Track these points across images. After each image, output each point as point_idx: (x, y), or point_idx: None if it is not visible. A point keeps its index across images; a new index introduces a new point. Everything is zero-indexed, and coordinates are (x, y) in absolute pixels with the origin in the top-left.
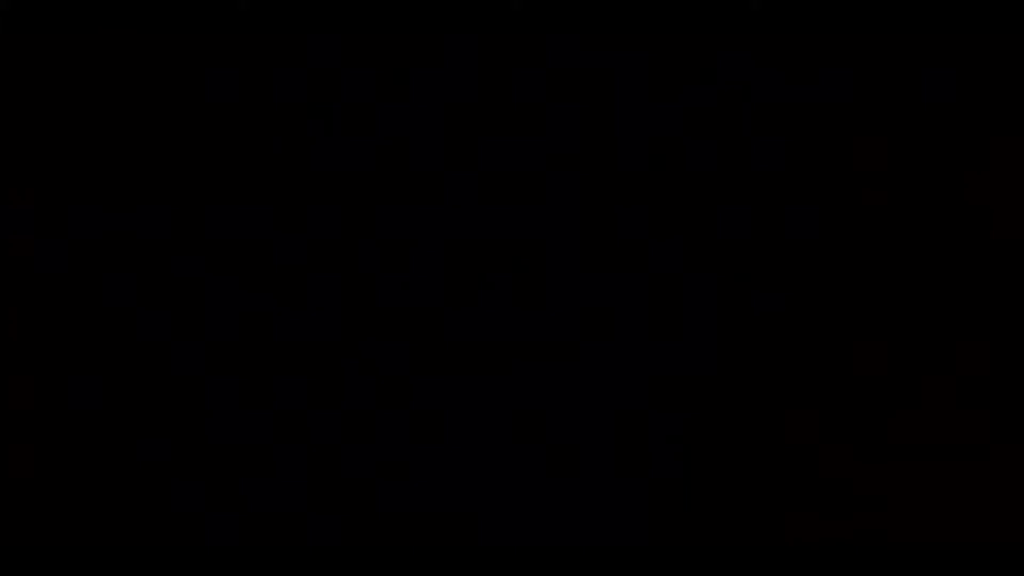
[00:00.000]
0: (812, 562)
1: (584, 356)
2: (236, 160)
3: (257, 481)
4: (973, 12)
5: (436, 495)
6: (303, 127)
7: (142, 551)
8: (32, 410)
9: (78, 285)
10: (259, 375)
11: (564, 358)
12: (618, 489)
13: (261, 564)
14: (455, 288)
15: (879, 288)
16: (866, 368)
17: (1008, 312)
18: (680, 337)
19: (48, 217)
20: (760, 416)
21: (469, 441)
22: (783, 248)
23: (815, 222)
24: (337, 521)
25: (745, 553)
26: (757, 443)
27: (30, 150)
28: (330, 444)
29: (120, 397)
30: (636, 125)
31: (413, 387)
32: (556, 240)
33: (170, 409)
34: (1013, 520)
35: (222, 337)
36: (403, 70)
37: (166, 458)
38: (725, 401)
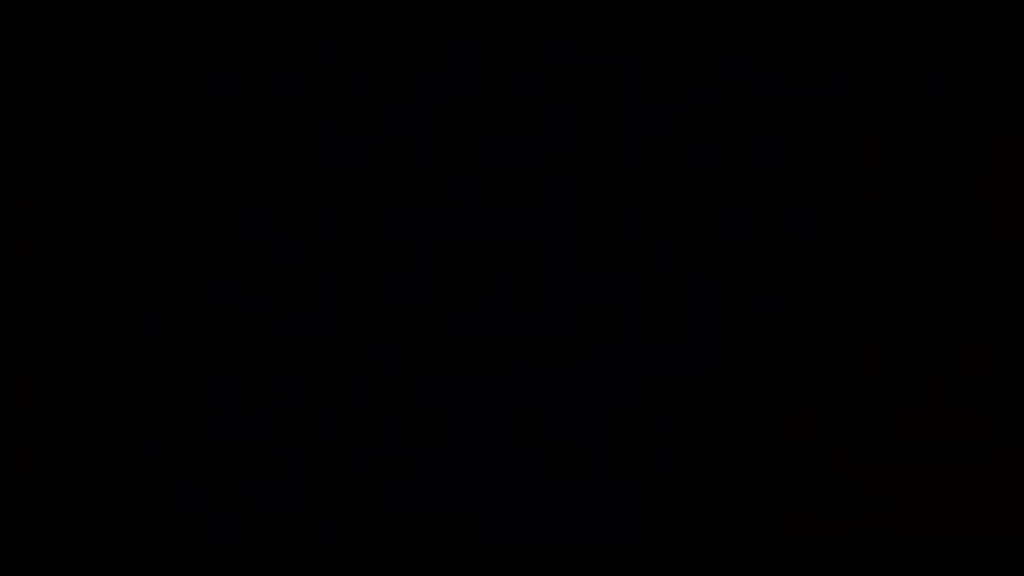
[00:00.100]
0: (812, 562)
1: (584, 356)
2: (236, 160)
3: (257, 481)
4: (973, 12)
5: (436, 495)
6: (303, 127)
7: (142, 551)
8: (32, 410)
9: (78, 285)
10: (259, 375)
11: (564, 358)
12: (618, 489)
13: (261, 564)
14: (455, 288)
15: (879, 288)
16: (866, 368)
17: (1008, 312)
18: (680, 337)
19: (48, 217)
20: (760, 416)
21: (469, 441)
22: (783, 248)
23: (815, 222)
24: (337, 521)
25: (745, 553)
26: (757, 443)
27: (30, 150)
28: (330, 444)
29: (120, 397)
30: (636, 125)
31: (413, 387)
32: (556, 240)
33: (170, 409)
34: (1013, 520)
35: (222, 337)
36: (403, 70)
37: (166, 458)
38: (725, 401)
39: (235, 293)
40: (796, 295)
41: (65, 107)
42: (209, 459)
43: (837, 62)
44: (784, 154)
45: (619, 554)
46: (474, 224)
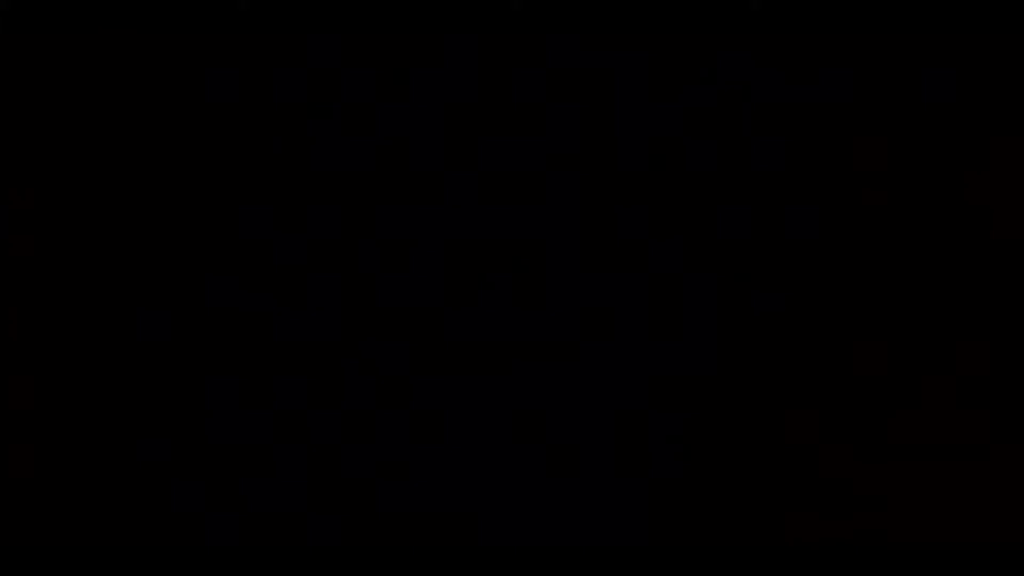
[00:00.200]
0: (812, 562)
1: (584, 356)
2: (236, 160)
3: (257, 481)
4: (973, 12)
5: (436, 495)
6: (303, 127)
7: (142, 551)
8: (32, 410)
9: (78, 285)
10: (259, 375)
11: (564, 358)
12: (618, 489)
13: (261, 564)
14: (455, 288)
15: (879, 288)
16: (866, 368)
17: (1008, 312)
18: (680, 337)
19: (48, 217)
20: (760, 416)
21: (469, 441)
22: (783, 248)
23: (815, 222)
24: (337, 521)
25: (745, 553)
26: (757, 443)
27: (30, 150)
28: (330, 444)
29: (120, 397)
30: (636, 125)
31: (413, 387)
32: (556, 240)
33: (170, 409)
34: (1013, 520)
35: (222, 337)
36: (403, 70)
37: (166, 458)
38: (725, 401)
39: (235, 293)
40: (796, 295)
41: (65, 107)
42: (209, 459)
43: (837, 62)
44: (784, 154)
45: (619, 554)
46: (474, 224)
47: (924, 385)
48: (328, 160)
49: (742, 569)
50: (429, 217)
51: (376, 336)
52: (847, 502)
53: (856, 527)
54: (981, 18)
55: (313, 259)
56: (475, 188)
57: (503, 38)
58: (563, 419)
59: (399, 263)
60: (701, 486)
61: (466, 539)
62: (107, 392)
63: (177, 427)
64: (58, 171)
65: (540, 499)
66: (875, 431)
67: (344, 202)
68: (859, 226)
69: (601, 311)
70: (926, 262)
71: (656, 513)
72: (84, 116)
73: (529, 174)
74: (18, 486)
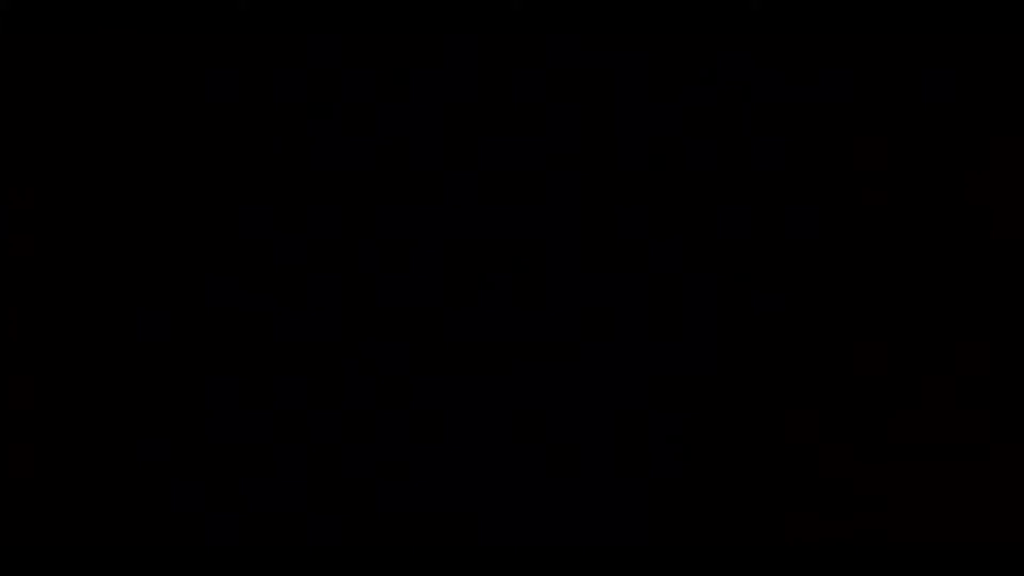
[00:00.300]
0: (812, 562)
1: (584, 356)
2: (236, 160)
3: (257, 481)
4: (973, 12)
5: (436, 495)
6: (303, 127)
7: (142, 551)
8: (32, 410)
9: (78, 285)
10: (259, 375)
11: (564, 358)
12: (618, 489)
13: (261, 564)
14: (455, 288)
15: (879, 288)
16: (866, 368)
17: (1008, 312)
18: (680, 337)
19: (48, 217)
20: (760, 416)
21: (469, 441)
22: (783, 248)
23: (815, 222)
24: (337, 521)
25: (745, 553)
26: (757, 443)
27: (30, 150)
28: (330, 444)
29: (120, 397)
30: (636, 125)
31: (413, 387)
32: (556, 240)
33: (170, 409)
34: (1013, 520)
35: (222, 337)
36: (403, 70)
37: (166, 458)
38: (725, 401)
39: (235, 293)
40: (796, 295)
41: (65, 107)
42: (209, 459)
43: (837, 62)
44: (784, 154)
45: (619, 554)
46: (474, 224)
47: (924, 385)
48: (328, 160)
49: (742, 569)
50: (429, 217)
51: (376, 336)
52: (847, 502)
53: (856, 527)
54: (981, 18)
55: (313, 259)
56: (475, 188)
57: (503, 38)
58: (563, 419)
59: (399, 263)
60: (701, 486)
61: (466, 539)
62: (107, 392)
63: (177, 427)
64: (58, 171)
65: (540, 499)
66: (875, 431)
67: (344, 202)
68: (859, 226)
69: (601, 311)
70: (926, 262)
71: (656, 513)
72: (84, 116)
73: (529, 174)
74: (18, 486)
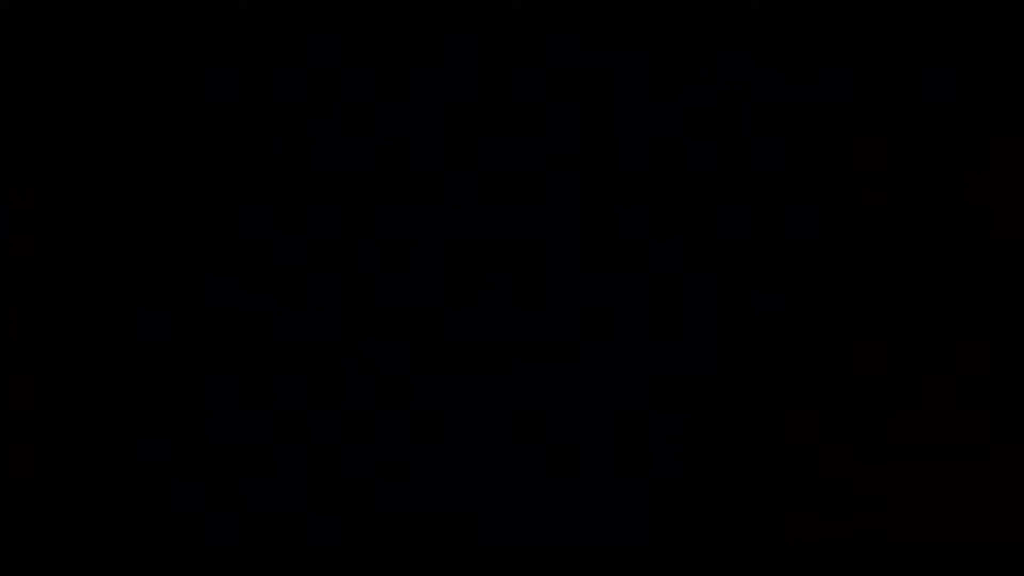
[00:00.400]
0: (812, 562)
1: (584, 356)
2: (236, 160)
3: (257, 481)
4: (973, 12)
5: (436, 495)
6: (303, 127)
7: (142, 551)
8: (32, 410)
9: (78, 285)
10: (259, 375)
11: (564, 358)
12: (618, 489)
13: (261, 564)
14: (455, 288)
15: (879, 288)
16: (866, 368)
17: (1008, 312)
18: (680, 337)
19: (48, 217)
20: (760, 416)
21: (469, 441)
22: (783, 248)
23: (815, 222)
24: (337, 521)
25: (745, 553)
26: (757, 443)
27: (30, 150)
28: (330, 444)
29: (120, 397)
30: (636, 125)
31: (413, 387)
32: (556, 240)
33: (170, 409)
34: (1013, 520)
35: (222, 337)
36: (403, 70)
37: (166, 458)
38: (725, 401)
39: (235, 293)
40: (796, 295)
41: (65, 107)
42: (209, 459)
43: (837, 62)
44: (784, 154)
45: (619, 554)
46: (474, 224)
47: (924, 385)
48: (328, 160)
49: (742, 569)
50: (429, 217)
51: (376, 336)
52: (847, 502)
53: (856, 527)
54: (981, 18)
55: (313, 259)
56: (475, 188)
57: (503, 38)
58: (563, 419)
59: (399, 263)
60: (701, 486)
61: (466, 539)
62: (107, 392)
63: (177, 427)
64: (58, 171)
65: (540, 499)
66: (875, 431)
67: (344, 202)
68: (859, 226)
69: (601, 311)
70: (926, 262)
71: (656, 513)
72: (84, 116)
73: (529, 174)
74: (18, 486)
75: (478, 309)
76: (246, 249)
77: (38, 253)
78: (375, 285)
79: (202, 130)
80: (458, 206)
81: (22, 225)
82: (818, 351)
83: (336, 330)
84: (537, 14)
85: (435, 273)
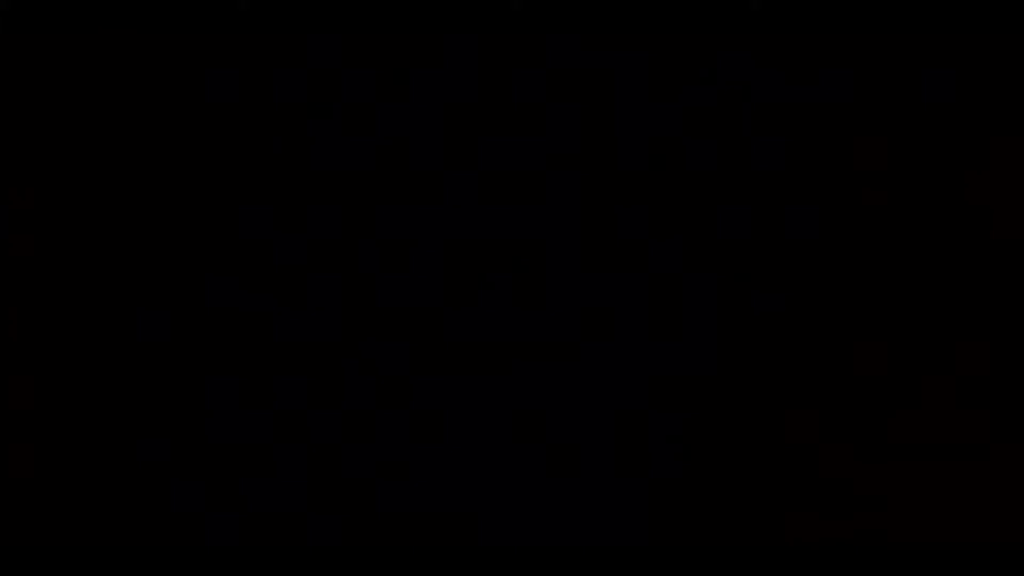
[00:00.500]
0: (812, 562)
1: (584, 356)
2: (236, 160)
3: (257, 481)
4: (973, 12)
5: (436, 495)
6: (303, 127)
7: (142, 551)
8: (32, 410)
9: (78, 285)
10: (259, 375)
11: (564, 358)
12: (618, 489)
13: (261, 564)
14: (455, 288)
15: (879, 288)
16: (866, 368)
17: (1008, 312)
18: (680, 337)
19: (48, 217)
20: (760, 416)
21: (469, 441)
22: (783, 248)
23: (815, 222)
24: (337, 521)
25: (745, 553)
26: (757, 443)
27: (30, 150)
28: (330, 444)
29: (120, 397)
30: (636, 125)
31: (413, 387)
32: (556, 240)
33: (170, 409)
34: (1013, 520)
35: (222, 337)
36: (403, 70)
37: (166, 458)
38: (725, 401)
39: (235, 293)
40: (796, 295)
41: (65, 107)
42: (209, 459)
43: (837, 62)
44: (784, 154)
45: (619, 554)
46: (474, 224)
47: (924, 385)
48: (328, 160)
49: (742, 569)
50: (429, 217)
51: (376, 336)
52: (847, 502)
53: (856, 527)
54: (981, 18)
55: (313, 259)
56: (475, 188)
57: (503, 38)
58: (563, 419)
59: (399, 263)
60: (701, 486)
61: (466, 539)
62: (107, 392)
63: (177, 427)
64: (58, 171)
65: (540, 499)
66: (875, 431)
67: (344, 202)
68: (859, 226)
69: (601, 311)
70: (926, 262)
71: (656, 513)
72: (84, 116)
73: (529, 174)
74: (18, 486)
75: (478, 309)
76: (246, 249)
77: (38, 253)
78: (375, 285)
79: (202, 130)
80: (458, 206)
81: (22, 225)
82: (818, 351)
83: (336, 330)
84: (537, 14)
85: (435, 273)
